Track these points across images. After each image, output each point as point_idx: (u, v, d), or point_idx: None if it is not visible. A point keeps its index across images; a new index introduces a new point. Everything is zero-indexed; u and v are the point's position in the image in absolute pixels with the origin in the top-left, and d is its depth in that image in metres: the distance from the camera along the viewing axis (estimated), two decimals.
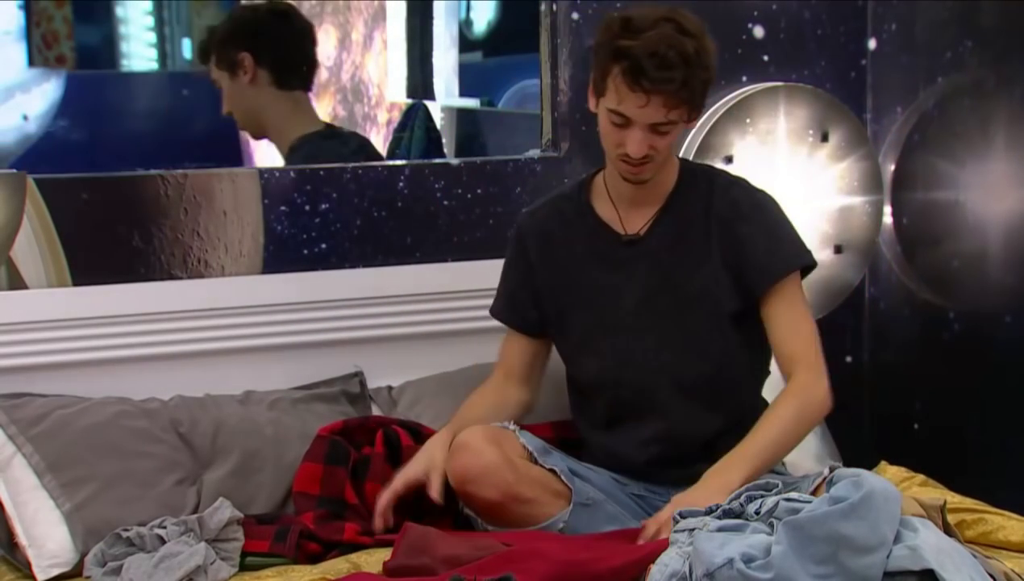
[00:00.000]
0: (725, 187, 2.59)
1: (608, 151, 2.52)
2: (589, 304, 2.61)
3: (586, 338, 2.62)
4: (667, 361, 2.56)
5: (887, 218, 3.34)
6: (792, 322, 2.55)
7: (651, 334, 2.57)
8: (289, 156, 3.14)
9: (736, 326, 2.57)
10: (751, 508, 2.15)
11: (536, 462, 2.47)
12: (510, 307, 2.70)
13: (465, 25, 3.76)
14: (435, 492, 2.48)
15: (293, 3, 3.34)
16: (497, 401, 2.66)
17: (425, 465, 2.52)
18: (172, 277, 2.87)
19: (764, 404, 2.64)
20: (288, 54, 3.19)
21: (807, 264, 2.59)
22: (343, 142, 3.26)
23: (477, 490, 2.42)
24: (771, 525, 2.08)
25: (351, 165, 3.02)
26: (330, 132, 3.24)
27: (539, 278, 2.65)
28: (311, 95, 3.24)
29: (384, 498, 2.52)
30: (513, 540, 2.29)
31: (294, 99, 3.18)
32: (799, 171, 3.19)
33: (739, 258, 2.53)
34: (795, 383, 2.51)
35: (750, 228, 2.54)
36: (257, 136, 3.24)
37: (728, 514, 2.16)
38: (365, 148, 3.34)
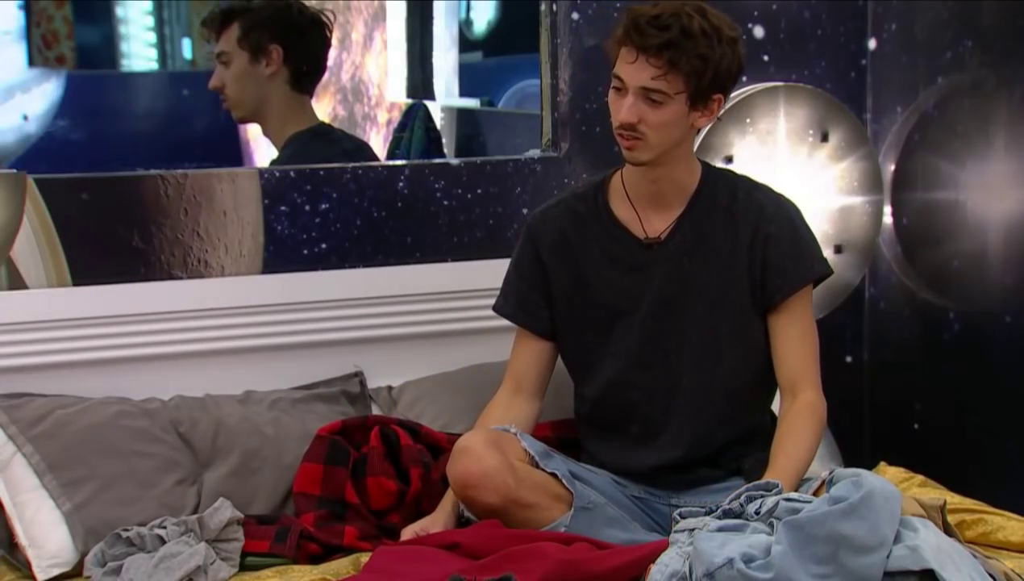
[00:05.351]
0: (748, 191, 2.58)
1: (614, 128, 2.49)
2: (605, 307, 2.58)
3: (600, 342, 2.59)
4: (684, 367, 2.55)
5: (887, 218, 3.34)
6: (800, 334, 2.54)
7: (669, 339, 2.55)
8: (281, 152, 3.15)
9: (754, 333, 2.56)
10: (751, 508, 2.15)
11: (537, 466, 2.45)
12: (522, 309, 2.64)
13: (465, 25, 3.75)
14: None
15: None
16: (509, 422, 2.58)
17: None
18: (172, 277, 2.86)
19: (771, 414, 2.64)
20: (314, 62, 3.21)
21: (827, 273, 2.59)
22: (332, 141, 3.24)
23: (478, 495, 2.40)
24: (771, 525, 2.08)
25: (351, 165, 3.02)
26: (320, 130, 3.22)
27: (552, 280, 2.61)
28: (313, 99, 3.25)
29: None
30: (507, 543, 2.28)
31: (300, 101, 3.18)
32: (799, 171, 3.18)
33: (764, 259, 2.52)
34: (806, 403, 2.50)
35: (775, 230, 2.53)
36: (243, 121, 3.25)
37: (728, 514, 2.16)
38: (360, 151, 3.31)
